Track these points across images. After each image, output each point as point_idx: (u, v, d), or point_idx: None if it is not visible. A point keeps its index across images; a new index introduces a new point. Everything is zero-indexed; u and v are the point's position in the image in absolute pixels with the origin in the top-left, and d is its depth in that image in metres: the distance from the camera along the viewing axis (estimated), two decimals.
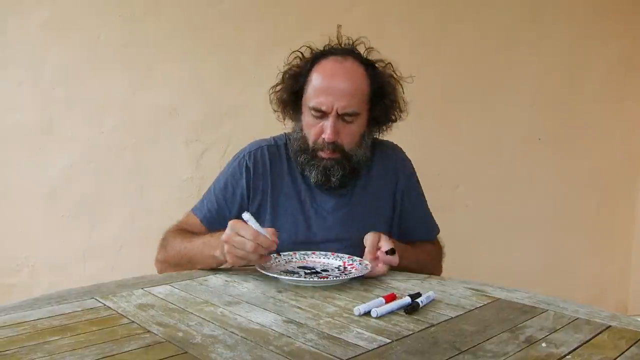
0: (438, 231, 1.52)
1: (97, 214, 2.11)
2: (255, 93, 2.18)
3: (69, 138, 2.06)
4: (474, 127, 2.48)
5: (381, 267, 1.19)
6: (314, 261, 1.28)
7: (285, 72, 1.44)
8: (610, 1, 2.63)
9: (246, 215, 1.14)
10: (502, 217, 2.55)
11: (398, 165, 1.49)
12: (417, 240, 1.45)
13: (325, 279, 1.14)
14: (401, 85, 1.44)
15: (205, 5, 2.12)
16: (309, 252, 1.30)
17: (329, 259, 1.28)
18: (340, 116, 1.33)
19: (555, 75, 2.57)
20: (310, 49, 1.42)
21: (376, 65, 1.41)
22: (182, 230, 1.39)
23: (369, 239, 1.22)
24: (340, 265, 1.25)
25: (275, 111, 1.46)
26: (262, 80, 2.17)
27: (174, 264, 1.31)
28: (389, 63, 1.43)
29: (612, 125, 2.69)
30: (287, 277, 1.13)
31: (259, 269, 1.17)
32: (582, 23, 2.58)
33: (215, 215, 1.41)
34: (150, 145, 2.13)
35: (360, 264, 1.22)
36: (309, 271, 1.20)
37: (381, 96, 1.40)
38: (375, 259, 1.21)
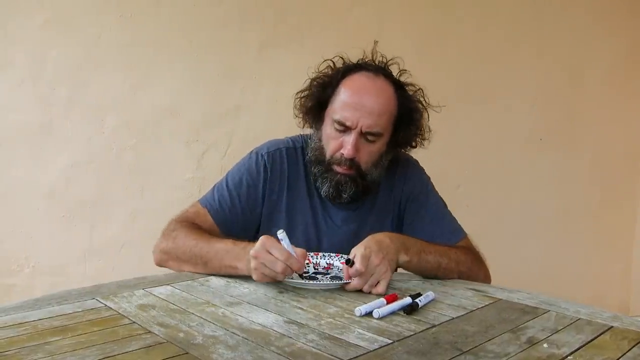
0: (463, 235, 1.40)
1: (98, 214, 2.11)
2: (256, 93, 2.19)
3: (70, 138, 2.06)
4: (475, 127, 2.47)
5: (353, 283, 1.09)
6: (318, 263, 1.27)
7: (313, 80, 1.40)
8: (611, 1, 2.63)
9: (281, 234, 1.10)
10: (503, 218, 2.54)
11: (406, 174, 1.46)
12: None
13: (319, 282, 1.13)
14: (428, 113, 1.41)
15: (206, 5, 2.12)
16: (311, 254, 1.29)
17: (332, 259, 1.28)
18: (363, 134, 1.30)
19: (557, 75, 2.56)
20: (343, 59, 1.39)
21: (407, 88, 1.38)
22: (195, 226, 1.31)
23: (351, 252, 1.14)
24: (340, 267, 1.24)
25: (296, 116, 1.43)
26: (263, 80, 2.19)
27: (183, 260, 1.24)
28: (420, 89, 1.40)
29: (614, 125, 2.69)
30: (287, 280, 1.12)
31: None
32: (583, 23, 2.57)
33: (227, 212, 1.35)
34: (151, 146, 2.13)
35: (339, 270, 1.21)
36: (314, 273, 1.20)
37: (407, 121, 1.37)
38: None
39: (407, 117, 1.37)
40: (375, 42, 1.38)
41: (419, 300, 1.00)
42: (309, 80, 1.41)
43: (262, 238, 1.10)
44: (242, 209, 1.36)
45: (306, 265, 1.21)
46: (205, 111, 2.17)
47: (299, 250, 1.11)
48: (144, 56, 2.09)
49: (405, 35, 2.33)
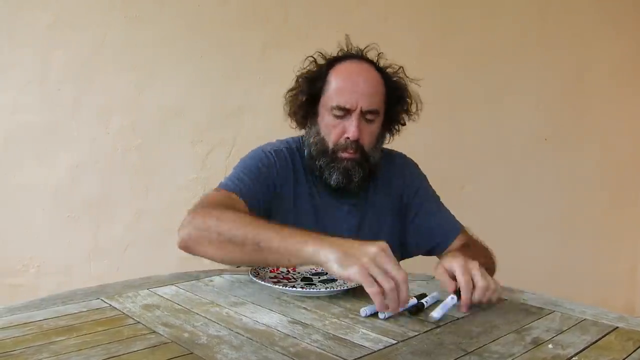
0: (462, 227, 1.45)
1: (103, 215, 2.12)
2: (261, 94, 2.19)
3: (75, 138, 2.07)
4: (480, 127, 2.47)
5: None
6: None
7: (300, 76, 1.44)
8: (616, 2, 2.62)
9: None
10: (508, 218, 2.54)
11: (404, 172, 1.50)
12: (439, 239, 1.42)
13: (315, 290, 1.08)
14: (409, 89, 1.45)
15: (211, 6, 2.13)
16: None
17: None
18: (363, 114, 1.33)
19: (561, 75, 2.56)
20: (322, 54, 1.43)
21: (388, 69, 1.43)
22: (236, 207, 1.20)
23: (440, 274, 1.05)
24: None
25: (288, 116, 1.46)
26: (267, 80, 2.19)
27: (226, 239, 1.07)
28: (401, 67, 1.44)
29: (619, 125, 2.68)
30: (279, 287, 1.08)
31: (251, 277, 1.12)
32: (588, 22, 2.57)
33: (252, 193, 1.29)
34: (156, 146, 2.13)
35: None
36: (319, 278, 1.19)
37: (396, 99, 1.42)
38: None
39: (395, 95, 1.41)
40: (347, 36, 1.44)
41: (426, 301, 0.99)
42: (295, 78, 1.45)
43: (381, 243, 0.95)
44: (264, 195, 1.32)
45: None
46: (209, 111, 2.17)
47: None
48: (148, 57, 2.10)
49: (410, 35, 2.33)
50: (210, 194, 1.26)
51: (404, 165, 1.52)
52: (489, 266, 1.30)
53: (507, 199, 2.54)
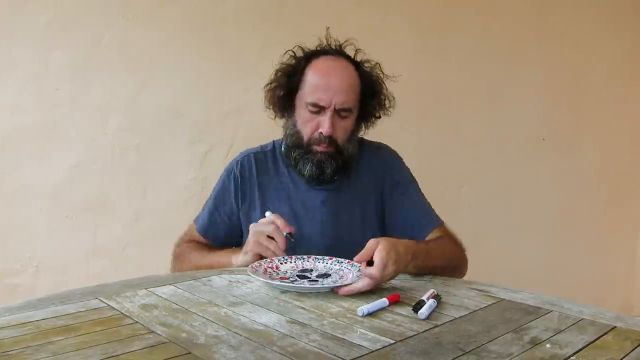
0: (441, 222, 1.45)
1: (101, 214, 2.11)
2: (259, 93, 2.17)
3: (73, 138, 2.06)
4: (478, 127, 2.47)
5: (358, 284, 1.08)
6: (313, 265, 1.25)
7: (278, 70, 1.49)
8: (615, 1, 2.62)
9: (268, 213, 1.30)
10: (506, 218, 2.54)
11: (385, 163, 1.52)
12: (416, 232, 1.42)
13: (315, 286, 1.10)
14: (385, 84, 1.49)
15: (209, 6, 2.13)
16: (305, 256, 1.28)
17: (326, 263, 1.26)
18: (337, 112, 1.38)
19: (560, 75, 2.56)
20: (302, 48, 1.48)
21: (365, 65, 1.47)
22: (196, 243, 1.51)
23: (367, 244, 1.14)
24: (339, 269, 1.23)
25: (267, 108, 1.51)
26: (265, 80, 2.18)
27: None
28: (377, 63, 1.48)
29: (617, 125, 2.68)
30: (276, 283, 1.10)
31: (250, 274, 1.14)
32: (587, 22, 2.57)
33: (210, 226, 1.51)
34: (154, 146, 2.13)
35: (358, 270, 1.16)
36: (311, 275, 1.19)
37: (371, 94, 1.46)
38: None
39: (370, 90, 1.46)
40: (327, 28, 1.47)
41: (428, 304, 0.98)
42: (274, 71, 1.49)
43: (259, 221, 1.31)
44: (222, 220, 1.51)
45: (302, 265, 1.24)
46: (208, 111, 2.17)
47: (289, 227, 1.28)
48: (146, 57, 2.10)
49: (408, 35, 2.33)
50: (182, 236, 1.56)
51: (385, 157, 1.54)
52: (442, 265, 1.28)
53: (505, 199, 2.55)
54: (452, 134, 2.44)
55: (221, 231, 1.51)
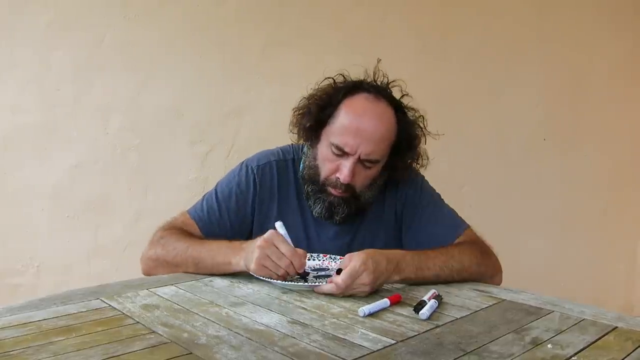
0: (466, 227, 1.38)
1: (102, 215, 2.11)
2: (260, 93, 2.19)
3: (74, 138, 2.07)
4: (479, 127, 2.47)
5: (324, 286, 1.07)
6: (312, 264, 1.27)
7: (311, 97, 1.36)
8: (615, 2, 2.62)
9: (281, 229, 1.14)
10: (507, 218, 2.54)
11: (403, 190, 1.43)
12: (441, 243, 1.32)
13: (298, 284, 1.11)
14: (426, 138, 1.39)
15: (210, 6, 2.13)
16: (321, 255, 1.29)
17: (322, 261, 1.27)
18: (361, 161, 1.28)
19: (561, 75, 2.56)
20: (344, 77, 1.36)
21: (408, 112, 1.36)
22: (184, 231, 1.32)
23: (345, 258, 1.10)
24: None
25: (291, 132, 1.40)
26: (266, 80, 2.19)
27: (173, 264, 1.24)
28: (421, 115, 1.38)
29: (617, 125, 2.68)
30: (279, 282, 1.11)
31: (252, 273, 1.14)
32: (587, 22, 2.57)
33: (214, 222, 1.36)
34: (155, 146, 2.13)
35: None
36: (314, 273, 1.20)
37: (406, 147, 1.35)
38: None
39: (406, 143, 1.34)
40: (379, 60, 1.34)
41: (424, 312, 0.97)
42: (306, 98, 1.37)
43: (270, 232, 1.12)
44: (231, 222, 1.37)
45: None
46: (209, 111, 2.17)
47: (300, 251, 1.12)
48: (148, 57, 2.10)
49: (408, 35, 2.32)
50: (169, 222, 1.36)
51: (403, 184, 1.43)
52: (454, 271, 1.21)
53: (506, 199, 2.55)
54: (453, 134, 2.42)
55: (225, 234, 1.34)
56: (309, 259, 1.26)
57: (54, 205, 2.08)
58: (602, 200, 2.69)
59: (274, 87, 2.18)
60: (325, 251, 1.33)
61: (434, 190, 1.47)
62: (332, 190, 1.31)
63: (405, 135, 1.33)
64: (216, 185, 1.42)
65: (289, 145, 1.46)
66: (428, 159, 1.40)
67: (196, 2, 2.11)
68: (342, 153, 1.27)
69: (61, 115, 2.05)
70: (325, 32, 2.21)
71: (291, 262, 1.08)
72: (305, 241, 1.36)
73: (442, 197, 1.47)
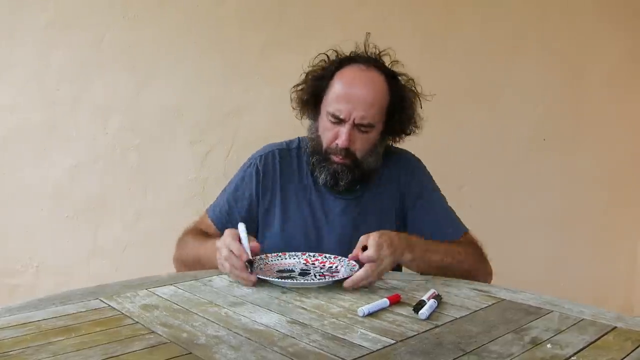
0: (465, 230, 1.45)
1: (102, 215, 2.11)
2: (260, 93, 2.19)
3: (74, 138, 2.06)
4: (479, 127, 2.47)
5: (360, 272, 1.10)
6: (298, 262, 1.27)
7: (308, 73, 1.45)
8: (615, 2, 2.62)
9: (241, 227, 1.19)
10: (507, 218, 2.54)
11: (408, 171, 1.49)
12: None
13: (317, 281, 1.13)
14: (420, 101, 1.45)
15: (209, 5, 2.12)
16: (299, 253, 1.30)
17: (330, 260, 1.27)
18: (356, 126, 1.35)
19: (560, 75, 2.55)
20: (337, 52, 1.43)
21: (398, 78, 1.42)
22: (199, 231, 1.45)
23: (360, 239, 1.18)
24: (331, 266, 1.24)
25: (293, 109, 1.48)
26: (266, 80, 2.19)
27: (188, 264, 1.37)
28: (411, 78, 1.44)
29: (618, 125, 2.67)
30: (278, 280, 1.12)
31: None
32: (587, 22, 2.56)
33: (226, 216, 1.45)
34: (155, 146, 2.13)
35: (347, 265, 1.20)
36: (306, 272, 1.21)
37: (399, 110, 1.41)
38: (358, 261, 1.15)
39: (399, 106, 1.41)
40: (367, 34, 1.42)
41: (424, 312, 0.97)
42: (304, 73, 1.46)
43: (226, 231, 1.19)
44: (240, 213, 1.44)
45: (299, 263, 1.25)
46: (208, 111, 2.17)
47: (255, 245, 1.18)
48: (147, 56, 2.10)
49: (409, 35, 2.32)
50: (192, 224, 1.49)
51: (409, 165, 1.51)
52: (448, 263, 1.27)
53: (506, 199, 2.54)
54: (453, 134, 2.43)
55: (230, 224, 1.37)
56: (313, 259, 1.27)
57: (54, 205, 2.08)
58: (602, 200, 2.69)
59: (274, 87, 2.17)
60: (334, 229, 1.41)
61: (440, 191, 1.52)
62: (335, 158, 1.38)
63: (398, 99, 1.40)
64: (230, 180, 1.53)
65: (296, 138, 1.53)
66: (422, 119, 1.47)
67: (196, 2, 2.11)
68: (338, 120, 1.35)
69: (61, 115, 2.05)
70: (326, 32, 2.20)
71: (231, 265, 1.13)
72: (312, 223, 1.42)
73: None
